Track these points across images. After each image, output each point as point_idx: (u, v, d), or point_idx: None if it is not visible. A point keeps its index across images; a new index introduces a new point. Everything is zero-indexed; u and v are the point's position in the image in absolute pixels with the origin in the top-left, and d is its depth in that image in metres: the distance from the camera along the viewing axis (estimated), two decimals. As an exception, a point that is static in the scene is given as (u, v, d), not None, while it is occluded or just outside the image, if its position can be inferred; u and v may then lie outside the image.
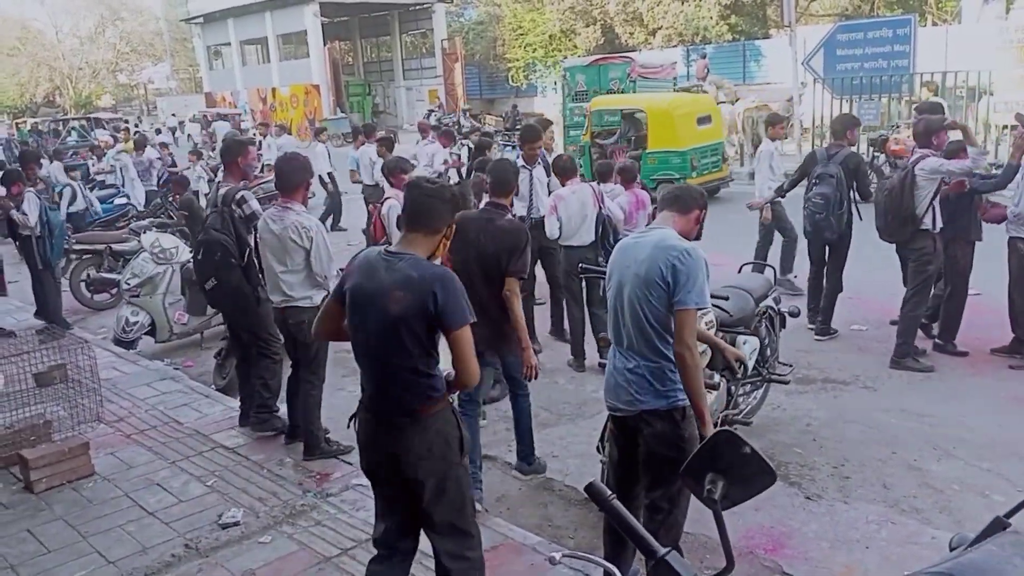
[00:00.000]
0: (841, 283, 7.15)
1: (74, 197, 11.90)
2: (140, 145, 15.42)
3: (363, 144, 12.42)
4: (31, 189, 7.88)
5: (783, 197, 7.86)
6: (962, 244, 6.38)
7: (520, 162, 7.10)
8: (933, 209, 6.09)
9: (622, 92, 16.60)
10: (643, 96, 15.24)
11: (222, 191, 5.23)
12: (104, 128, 28.76)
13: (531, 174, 7.15)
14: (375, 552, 3.10)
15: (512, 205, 5.01)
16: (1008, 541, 1.65)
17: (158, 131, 25.36)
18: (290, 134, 20.60)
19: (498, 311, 4.34)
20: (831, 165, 6.88)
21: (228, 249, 5.05)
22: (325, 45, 36.60)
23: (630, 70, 17.17)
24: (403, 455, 2.86)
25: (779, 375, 5.38)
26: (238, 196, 5.12)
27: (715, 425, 3.46)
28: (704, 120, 13.04)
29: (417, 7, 39.01)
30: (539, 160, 7.32)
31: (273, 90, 39.01)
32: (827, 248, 7.08)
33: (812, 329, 7.09)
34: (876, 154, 12.91)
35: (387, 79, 41.54)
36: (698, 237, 3.39)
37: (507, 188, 4.68)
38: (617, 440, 3.34)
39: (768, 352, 5.33)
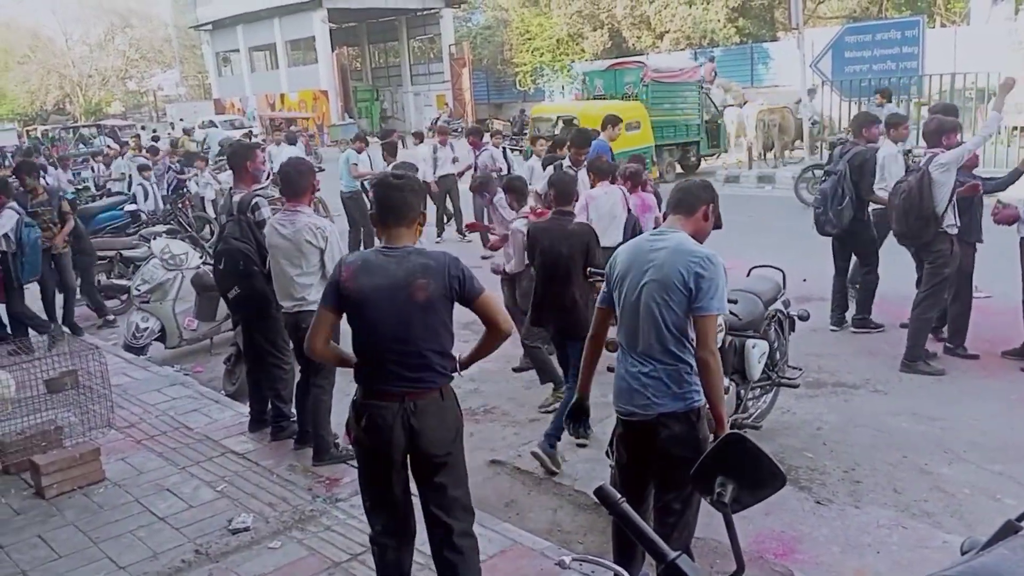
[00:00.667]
0: (850, 280, 7.10)
1: (145, 197, 12.37)
2: (154, 152, 15.51)
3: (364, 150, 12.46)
4: (12, 204, 7.64)
5: None
6: (963, 246, 6.33)
7: (566, 163, 8.06)
8: (954, 207, 6.05)
9: (636, 96, 16.74)
10: (578, 104, 16.54)
11: (236, 198, 5.22)
12: (114, 136, 28.85)
13: (577, 176, 7.33)
14: (382, 545, 3.18)
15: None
16: (1020, 544, 1.64)
17: (157, 138, 25.26)
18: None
19: (571, 303, 4.97)
20: (840, 163, 6.89)
21: (250, 257, 5.06)
22: (333, 51, 36.82)
23: (643, 74, 17.18)
24: (429, 433, 3.01)
25: (789, 379, 5.37)
26: (252, 202, 5.13)
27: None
28: (633, 126, 13.98)
29: (425, 12, 39.17)
30: (584, 163, 7.77)
31: (282, 96, 39.20)
32: (837, 245, 7.09)
33: (832, 329, 7.12)
34: None
35: (395, 84, 41.73)
36: (718, 226, 3.39)
37: (570, 198, 5.30)
38: (627, 444, 3.33)
39: (778, 356, 5.31)
